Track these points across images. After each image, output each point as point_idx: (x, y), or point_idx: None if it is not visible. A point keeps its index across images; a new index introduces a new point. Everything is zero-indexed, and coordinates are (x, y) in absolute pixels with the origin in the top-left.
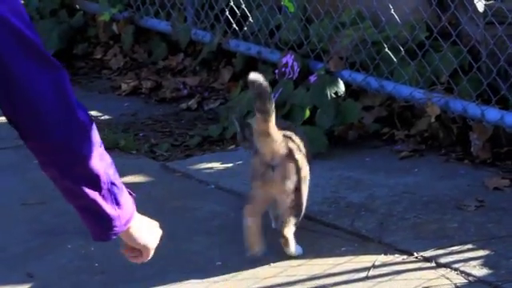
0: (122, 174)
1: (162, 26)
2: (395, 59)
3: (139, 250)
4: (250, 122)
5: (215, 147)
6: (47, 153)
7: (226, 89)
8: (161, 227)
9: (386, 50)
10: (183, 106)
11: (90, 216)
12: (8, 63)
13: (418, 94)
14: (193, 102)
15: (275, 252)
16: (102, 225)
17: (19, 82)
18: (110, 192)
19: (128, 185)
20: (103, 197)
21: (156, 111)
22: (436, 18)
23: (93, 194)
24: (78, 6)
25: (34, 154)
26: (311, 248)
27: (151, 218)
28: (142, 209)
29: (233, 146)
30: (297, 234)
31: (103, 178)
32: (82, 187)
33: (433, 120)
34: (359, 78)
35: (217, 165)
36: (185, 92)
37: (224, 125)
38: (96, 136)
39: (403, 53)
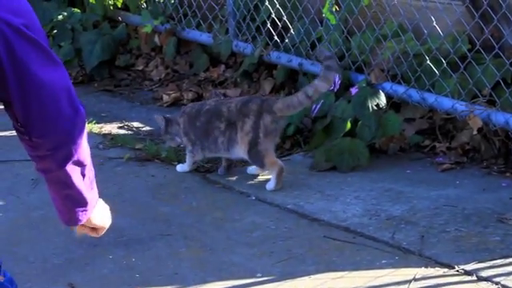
0: (162, 184)
1: (204, 37)
2: (437, 71)
3: (95, 228)
4: (172, 118)
5: None
6: (51, 147)
7: None
8: (201, 238)
9: (428, 62)
10: None
11: (70, 203)
12: (23, 68)
13: (460, 106)
14: None
15: (315, 264)
16: (79, 210)
17: (34, 85)
18: (89, 177)
19: (169, 196)
20: (85, 183)
21: None
22: (478, 30)
23: (79, 182)
24: (120, 18)
25: (35, 149)
26: (351, 260)
27: (192, 229)
28: (183, 220)
29: None
30: (337, 246)
31: (88, 165)
32: (73, 176)
33: (475, 132)
34: (401, 90)
35: (257, 176)
36: None
37: None
38: (85, 124)
39: (445, 65)
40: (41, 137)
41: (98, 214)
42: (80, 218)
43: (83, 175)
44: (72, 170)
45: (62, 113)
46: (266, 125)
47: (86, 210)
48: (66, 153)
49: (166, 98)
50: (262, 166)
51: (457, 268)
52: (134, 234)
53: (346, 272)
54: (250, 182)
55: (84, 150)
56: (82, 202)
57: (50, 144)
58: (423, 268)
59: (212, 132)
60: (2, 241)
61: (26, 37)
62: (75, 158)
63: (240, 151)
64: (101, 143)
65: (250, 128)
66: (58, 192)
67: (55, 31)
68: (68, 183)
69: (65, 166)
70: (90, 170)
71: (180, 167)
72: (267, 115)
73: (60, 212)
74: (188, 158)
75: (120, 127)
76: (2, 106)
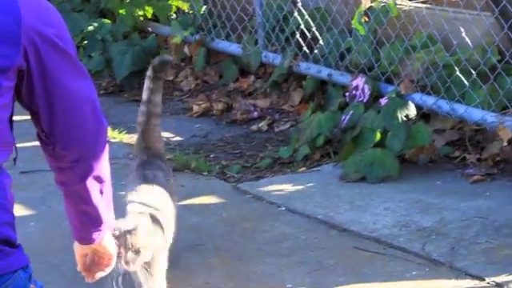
0: (193, 194)
1: (233, 48)
2: (466, 82)
3: (105, 258)
4: None
5: (286, 169)
6: (74, 159)
7: (296, 111)
8: (232, 249)
9: (458, 73)
10: (254, 127)
11: (86, 220)
12: (52, 79)
13: (490, 117)
14: (263, 124)
15: (345, 275)
16: (94, 228)
17: (61, 96)
18: (107, 197)
19: (199, 206)
20: (103, 201)
21: (227, 133)
22: (508, 41)
23: (97, 199)
24: (150, 29)
25: (57, 160)
26: (382, 271)
27: (223, 240)
28: (213, 230)
29: (303, 168)
30: (367, 257)
31: (107, 182)
32: (91, 192)
33: (505, 144)
34: (430, 101)
35: (287, 187)
36: (255, 114)
37: (294, 147)
38: (106, 139)
39: (475, 76)
40: (65, 148)
41: (111, 240)
42: (94, 236)
43: (101, 192)
44: (91, 185)
45: (87, 126)
46: None
47: (100, 230)
48: (88, 166)
49: (195, 108)
50: None
51: (487, 280)
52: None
53: (376, 283)
54: (280, 193)
55: (105, 166)
56: (97, 221)
57: (73, 156)
58: (454, 280)
59: None
60: (34, 250)
61: (57, 47)
62: (96, 172)
63: None
64: (131, 153)
65: None
66: (75, 207)
67: (86, 42)
68: (86, 198)
69: (85, 180)
70: (108, 189)
71: None
72: None
73: (74, 227)
74: None
75: None
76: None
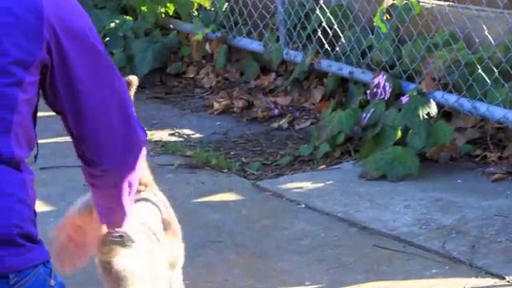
0: (212, 191)
1: (255, 45)
2: (489, 80)
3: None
4: None
5: (306, 167)
6: (104, 169)
7: (317, 109)
8: (251, 246)
9: (480, 71)
10: (274, 125)
11: (111, 214)
12: (75, 73)
13: None
14: (284, 122)
15: (365, 272)
16: (117, 221)
17: (87, 97)
18: (134, 192)
19: (219, 203)
20: (130, 198)
21: (247, 130)
22: None
23: (125, 200)
24: (171, 26)
25: (88, 166)
26: (401, 269)
27: (242, 236)
28: (233, 227)
29: (323, 166)
30: (387, 255)
31: (135, 183)
32: (122, 195)
33: None
34: (452, 99)
35: (307, 184)
36: (276, 111)
37: (315, 144)
38: (144, 149)
39: (497, 74)
40: (95, 156)
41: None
42: (117, 224)
43: (129, 193)
44: (121, 189)
45: (115, 134)
46: None
47: (125, 223)
48: (118, 176)
49: (216, 105)
50: None
51: (508, 279)
52: (184, 240)
53: (395, 281)
54: (300, 190)
55: (137, 173)
56: (122, 215)
57: (103, 165)
58: (473, 278)
59: None
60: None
61: (80, 42)
62: (126, 180)
63: None
64: (152, 150)
65: None
66: (103, 203)
67: (107, 39)
68: (114, 200)
69: (115, 187)
70: (136, 185)
71: None
72: None
73: (100, 215)
74: None
75: (171, 134)
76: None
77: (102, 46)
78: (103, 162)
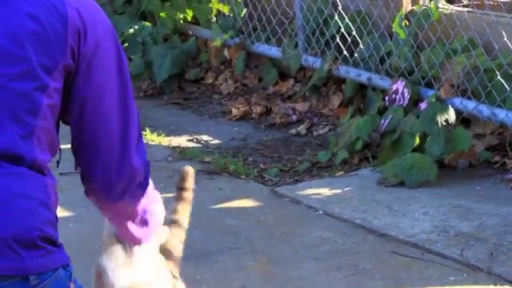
0: (230, 198)
1: (273, 51)
2: (508, 87)
3: None
4: None
5: (324, 173)
6: (95, 188)
7: (335, 115)
8: (269, 252)
9: (499, 77)
10: (292, 131)
11: (123, 231)
12: (94, 81)
13: None
14: (302, 128)
15: (382, 279)
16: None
17: (93, 104)
18: (142, 219)
19: (236, 209)
20: (134, 223)
21: (265, 136)
22: None
23: (129, 223)
24: (190, 32)
25: (82, 179)
26: (419, 277)
27: (260, 243)
28: (251, 233)
29: (342, 172)
30: (405, 262)
31: (140, 211)
32: (122, 219)
33: None
34: (471, 105)
35: (325, 191)
36: (294, 118)
37: (333, 151)
38: (148, 178)
39: None
40: (86, 171)
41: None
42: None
43: (133, 219)
44: (123, 212)
45: (108, 153)
46: None
47: (140, 243)
48: (105, 202)
49: (234, 111)
50: None
51: None
52: (202, 246)
53: None
54: (318, 197)
55: (141, 203)
56: (131, 237)
57: (93, 184)
58: (492, 286)
59: None
60: (73, 250)
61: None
62: (130, 208)
63: None
64: (170, 156)
65: None
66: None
67: (126, 44)
68: (116, 221)
69: (109, 209)
70: (143, 212)
71: None
72: None
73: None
74: None
75: (189, 140)
76: None
77: (122, 55)
78: (94, 181)
